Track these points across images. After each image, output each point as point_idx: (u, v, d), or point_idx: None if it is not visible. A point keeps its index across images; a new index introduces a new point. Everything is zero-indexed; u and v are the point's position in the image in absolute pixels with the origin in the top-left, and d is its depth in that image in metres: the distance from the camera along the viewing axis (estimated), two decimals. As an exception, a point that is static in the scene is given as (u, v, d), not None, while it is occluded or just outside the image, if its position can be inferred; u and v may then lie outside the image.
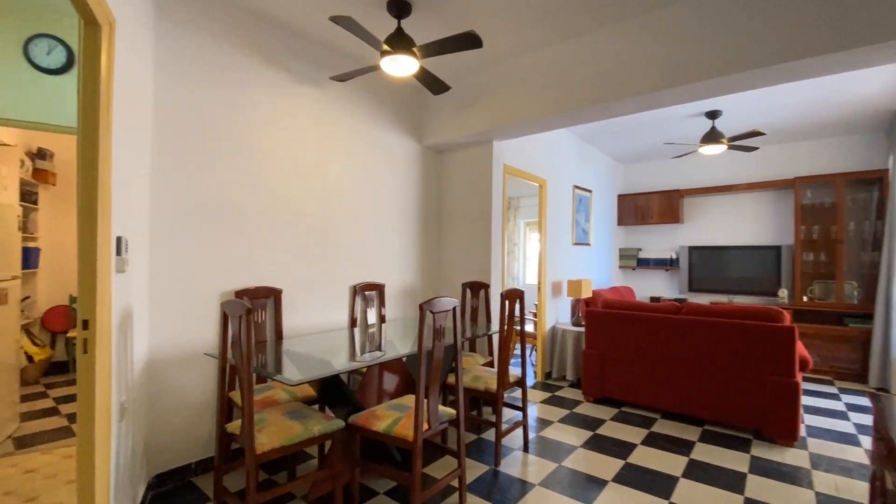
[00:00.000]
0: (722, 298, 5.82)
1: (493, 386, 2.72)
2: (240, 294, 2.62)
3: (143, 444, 2.24)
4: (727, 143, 4.39)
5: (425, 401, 2.05)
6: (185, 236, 2.44)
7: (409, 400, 2.32)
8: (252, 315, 1.81)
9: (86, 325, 1.47)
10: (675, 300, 6.02)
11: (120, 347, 1.74)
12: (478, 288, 3.67)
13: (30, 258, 4.43)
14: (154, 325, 2.33)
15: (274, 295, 2.80)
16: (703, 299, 5.95)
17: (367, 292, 3.36)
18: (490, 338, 3.60)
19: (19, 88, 2.77)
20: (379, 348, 2.50)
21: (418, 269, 3.92)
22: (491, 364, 3.46)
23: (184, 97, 2.43)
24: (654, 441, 3.05)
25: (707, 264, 5.90)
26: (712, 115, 4.44)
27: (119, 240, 1.67)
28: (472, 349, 3.64)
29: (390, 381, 2.83)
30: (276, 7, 2.67)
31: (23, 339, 4.30)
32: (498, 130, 3.47)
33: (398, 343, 2.60)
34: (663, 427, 3.31)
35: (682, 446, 2.97)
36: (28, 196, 4.45)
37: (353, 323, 3.29)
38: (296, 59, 2.96)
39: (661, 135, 5.21)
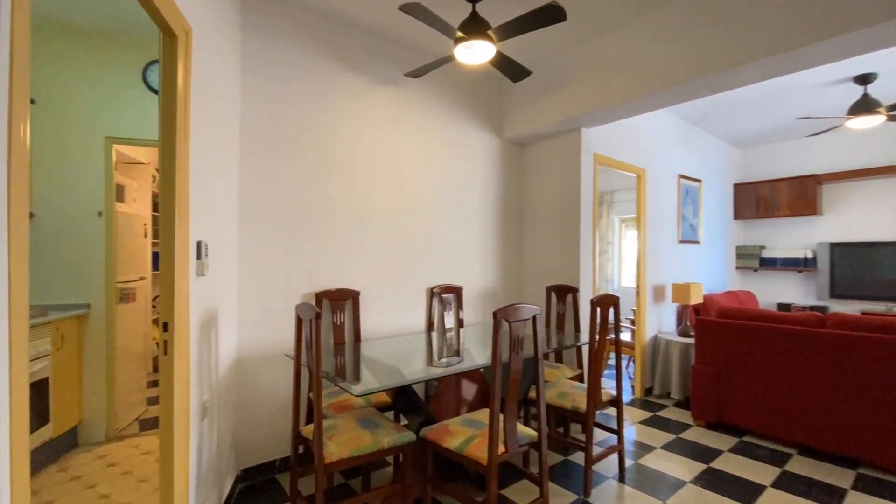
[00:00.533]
0: (875, 307, 4.70)
1: (582, 404, 2.41)
2: (320, 296, 2.65)
3: (232, 438, 2.35)
4: (886, 113, 3.49)
5: (501, 420, 1.85)
6: (269, 240, 2.53)
7: (486, 415, 2.13)
8: (320, 320, 1.76)
9: (166, 327, 1.52)
10: (813, 308, 5.01)
11: (202, 348, 1.80)
12: (564, 292, 3.35)
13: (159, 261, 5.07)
14: (242, 326, 2.44)
15: (352, 297, 2.79)
16: (850, 308, 4.86)
17: (444, 295, 3.24)
18: (579, 349, 3.26)
19: (143, 111, 3.12)
20: (457, 354, 2.35)
21: (499, 271, 3.71)
22: (580, 378, 3.12)
23: (266, 104, 2.52)
24: (789, 484, 2.48)
25: (854, 265, 4.81)
26: (864, 79, 3.57)
27: (199, 244, 1.72)
28: (559, 360, 3.33)
29: (468, 389, 2.66)
30: (350, 6, 2.66)
31: (155, 331, 4.95)
32: (587, 116, 3.13)
33: (476, 350, 2.42)
34: (802, 466, 2.69)
35: (829, 494, 2.36)
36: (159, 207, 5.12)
37: (429, 326, 3.19)
38: (371, 58, 2.94)
39: (790, 109, 4.35)
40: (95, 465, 2.65)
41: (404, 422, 2.86)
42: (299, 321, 2.00)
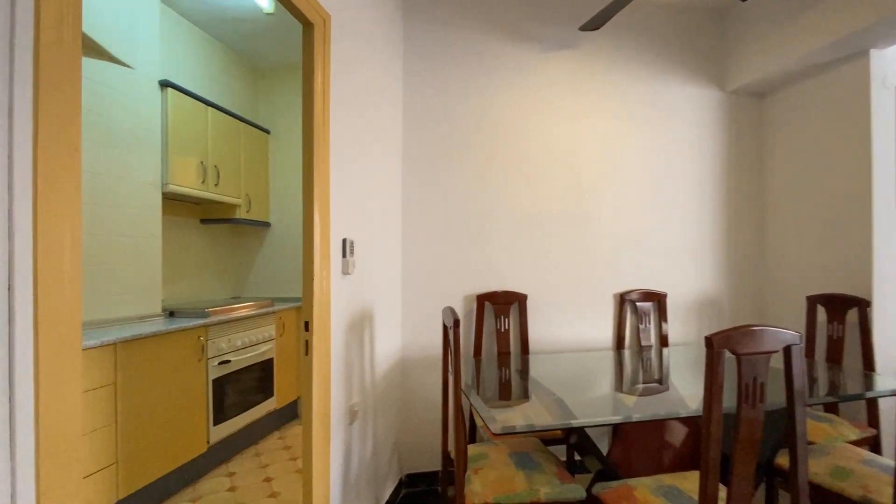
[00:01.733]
0: None
1: (883, 495, 1.43)
2: (482, 298, 2.38)
3: (394, 442, 2.29)
4: None
5: (723, 496, 1.18)
6: (431, 238, 2.40)
7: (696, 481, 1.45)
8: (459, 328, 1.47)
9: (307, 326, 1.47)
10: None
11: (350, 349, 1.74)
12: (843, 305, 2.20)
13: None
14: (405, 326, 2.38)
15: (518, 300, 2.43)
16: None
17: (639, 303, 2.54)
18: (873, 399, 2.06)
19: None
20: (658, 382, 1.73)
21: (723, 272, 2.73)
22: (874, 444, 1.97)
23: (426, 94, 2.40)
24: None
25: None
26: None
27: (344, 242, 1.65)
28: (832, 410, 2.19)
29: (673, 433, 1.96)
30: (513, -32, 2.31)
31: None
32: (883, 25, 1.96)
33: (685, 382, 1.73)
34: None
35: None
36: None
37: (619, 343, 2.54)
38: (540, 23, 2.52)
39: None
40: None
41: (577, 459, 2.32)
42: (445, 327, 1.75)
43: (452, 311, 1.54)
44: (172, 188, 2.60)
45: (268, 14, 2.76)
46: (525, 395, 1.66)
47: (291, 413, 3.43)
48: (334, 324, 1.58)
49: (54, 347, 0.66)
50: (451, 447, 1.80)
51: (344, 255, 1.65)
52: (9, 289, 0.61)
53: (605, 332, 2.55)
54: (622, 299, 2.55)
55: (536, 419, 1.37)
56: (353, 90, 1.77)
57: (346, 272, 1.67)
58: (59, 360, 0.67)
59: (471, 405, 2.13)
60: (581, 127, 2.54)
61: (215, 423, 2.54)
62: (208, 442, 2.48)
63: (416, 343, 2.39)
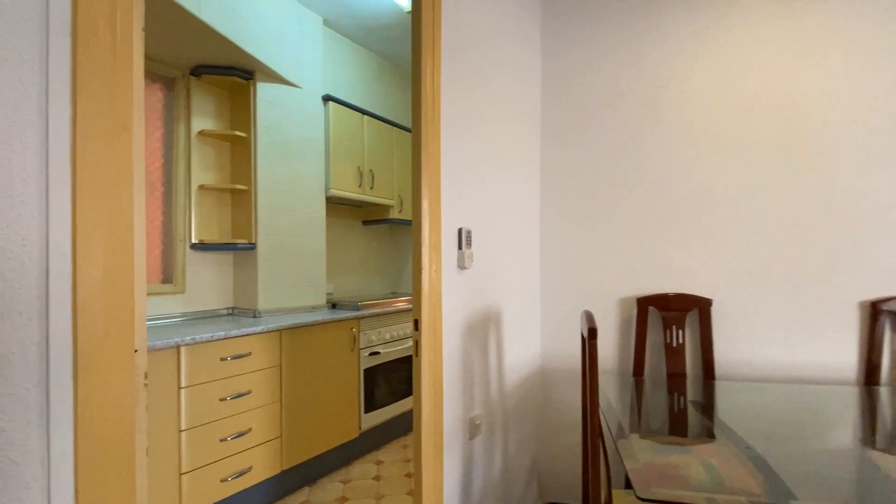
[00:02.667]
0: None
1: None
2: (644, 302, 1.90)
3: (532, 463, 2.00)
4: None
5: None
6: (577, 227, 2.03)
7: None
8: (595, 339, 1.12)
9: (417, 325, 1.34)
10: None
11: (469, 353, 1.54)
12: None
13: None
14: (545, 330, 2.07)
15: (698, 307, 1.85)
16: None
17: (912, 319, 1.65)
18: None
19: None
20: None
21: None
22: None
23: (568, 53, 2.04)
24: None
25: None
26: None
27: (460, 233, 1.47)
28: None
29: None
30: None
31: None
32: None
33: None
34: None
35: None
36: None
37: (868, 374, 1.70)
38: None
39: None
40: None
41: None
42: (582, 336, 1.40)
43: (590, 316, 1.20)
44: (334, 192, 2.86)
45: (408, 13, 2.81)
46: (702, 439, 1.19)
47: (441, 410, 3.43)
48: (448, 323, 1.41)
49: (95, 344, 0.64)
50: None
51: (459, 247, 1.47)
52: (46, 274, 0.60)
53: (842, 357, 1.74)
54: (875, 309, 1.70)
55: (710, 482, 0.93)
56: (474, 61, 1.57)
57: (462, 266, 1.48)
58: (100, 357, 0.65)
59: (614, 440, 1.71)
60: (799, 68, 1.80)
61: (366, 411, 2.68)
62: (360, 428, 2.63)
63: (559, 351, 2.05)
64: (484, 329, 1.64)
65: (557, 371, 2.05)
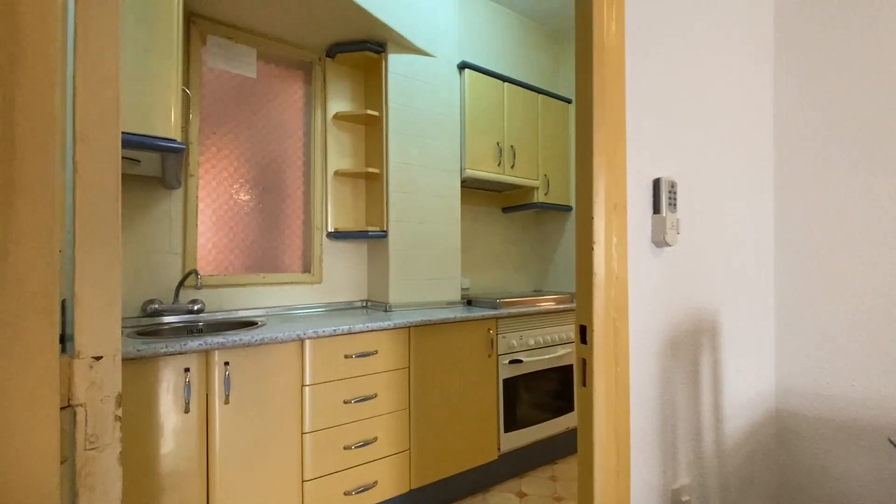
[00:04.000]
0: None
1: None
2: None
3: (764, 558, 1.29)
4: None
5: None
6: (844, 188, 1.26)
7: None
8: None
9: (584, 335, 0.85)
10: None
11: (673, 386, 0.97)
12: None
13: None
14: (784, 350, 1.33)
15: None
16: None
17: None
18: None
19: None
20: None
21: None
22: None
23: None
24: None
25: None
26: None
27: (656, 186, 0.92)
28: None
29: None
30: None
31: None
32: None
33: None
34: None
35: None
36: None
37: None
38: None
39: None
40: None
41: None
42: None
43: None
44: (469, 173, 2.51)
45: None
46: None
47: (598, 436, 2.80)
48: (637, 335, 0.88)
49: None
50: None
51: (657, 210, 0.92)
52: None
53: None
54: None
55: None
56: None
57: (661, 241, 0.93)
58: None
59: None
60: None
61: (506, 430, 2.25)
62: (499, 449, 2.21)
63: (816, 386, 1.30)
64: (692, 346, 1.04)
65: (808, 418, 1.29)
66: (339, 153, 2.38)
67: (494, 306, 2.32)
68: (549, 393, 2.46)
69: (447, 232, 2.47)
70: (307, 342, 1.66)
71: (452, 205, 2.51)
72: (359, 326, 1.74)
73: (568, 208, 3.07)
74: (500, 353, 2.24)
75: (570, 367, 2.57)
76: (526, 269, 3.25)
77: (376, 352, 1.83)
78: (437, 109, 2.45)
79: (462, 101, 2.53)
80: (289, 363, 1.62)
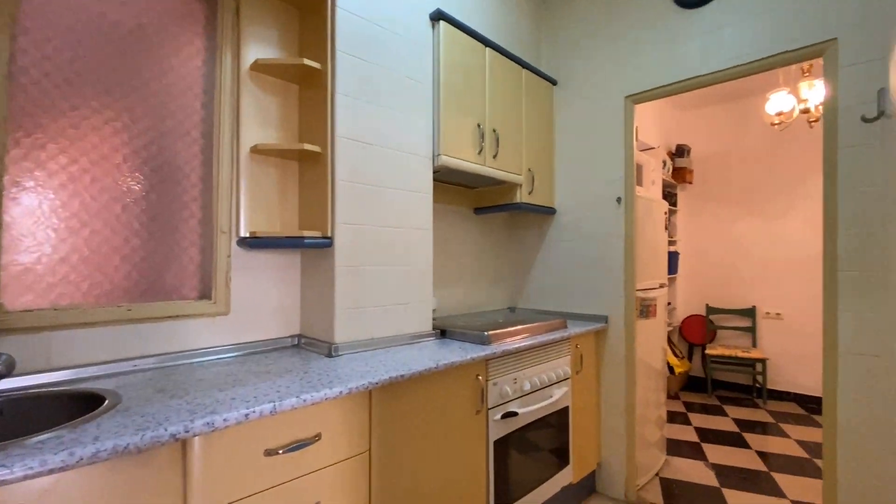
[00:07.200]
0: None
1: None
2: None
3: None
4: None
5: None
6: None
7: None
8: None
9: None
10: None
11: None
12: None
13: (669, 262, 4.18)
14: None
15: None
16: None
17: None
18: None
19: (666, 48, 2.17)
20: None
21: None
22: None
23: None
24: None
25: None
26: None
27: None
28: None
29: None
30: None
31: (671, 358, 4.10)
32: None
33: None
34: None
35: None
36: (667, 198, 4.26)
37: None
38: None
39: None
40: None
41: None
42: None
43: None
44: (445, 160, 1.88)
45: None
46: None
47: (588, 487, 2.33)
48: None
49: None
50: None
51: None
52: None
53: None
54: None
55: None
56: None
57: None
58: None
59: None
60: None
61: (497, 509, 1.66)
62: (489, 541, 1.62)
63: None
64: None
65: None
66: (260, 122, 1.62)
67: (483, 341, 1.71)
68: (545, 448, 1.92)
69: (416, 239, 1.82)
70: (195, 442, 0.93)
71: (424, 202, 1.86)
72: (288, 403, 1.04)
73: (552, 211, 2.55)
74: (490, 406, 1.65)
75: (565, 411, 2.05)
76: (500, 284, 2.69)
77: (318, 436, 1.14)
78: (405, 70, 1.78)
79: (436, 64, 1.89)
80: (155, 486, 0.88)
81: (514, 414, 1.72)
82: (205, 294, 1.52)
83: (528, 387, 1.79)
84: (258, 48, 1.61)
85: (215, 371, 1.31)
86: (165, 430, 0.85)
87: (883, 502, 1.52)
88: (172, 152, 1.47)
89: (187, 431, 0.88)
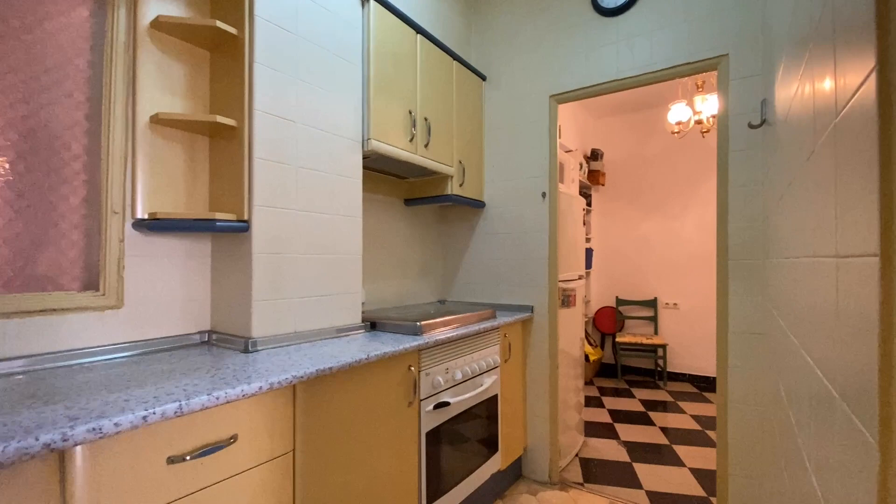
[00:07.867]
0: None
1: None
2: None
3: None
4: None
5: None
6: None
7: None
8: None
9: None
10: None
11: None
12: None
13: (585, 258, 4.46)
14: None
15: None
16: None
17: None
18: None
19: (588, 51, 2.30)
20: None
21: None
22: None
23: None
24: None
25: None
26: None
27: None
28: None
29: None
30: None
31: (587, 348, 4.38)
32: None
33: None
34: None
35: None
36: (583, 198, 4.55)
37: None
38: None
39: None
40: (544, 532, 1.94)
41: None
42: None
43: None
44: (375, 145, 1.80)
45: None
46: None
47: (515, 473, 2.39)
48: None
49: None
50: None
51: None
52: None
53: None
54: None
55: None
56: None
57: None
58: None
59: None
60: None
61: (431, 501, 1.63)
62: (420, 535, 1.58)
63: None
64: None
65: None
66: (162, 88, 1.43)
67: (415, 332, 1.67)
68: (476, 437, 1.93)
69: (344, 226, 1.73)
70: (76, 453, 0.78)
71: (352, 187, 1.77)
72: (197, 402, 0.92)
73: (482, 204, 2.58)
74: (422, 397, 1.61)
75: (494, 399, 2.08)
76: (429, 277, 2.66)
77: (234, 438, 1.02)
78: (333, 48, 1.68)
79: (366, 43, 1.81)
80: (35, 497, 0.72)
81: (447, 404, 1.70)
82: (91, 285, 1.30)
83: (459, 376, 1.78)
84: (160, 3, 1.41)
85: (104, 373, 1.12)
86: (36, 439, 0.70)
87: (764, 462, 1.74)
88: (49, 116, 1.24)
89: (66, 440, 0.73)
